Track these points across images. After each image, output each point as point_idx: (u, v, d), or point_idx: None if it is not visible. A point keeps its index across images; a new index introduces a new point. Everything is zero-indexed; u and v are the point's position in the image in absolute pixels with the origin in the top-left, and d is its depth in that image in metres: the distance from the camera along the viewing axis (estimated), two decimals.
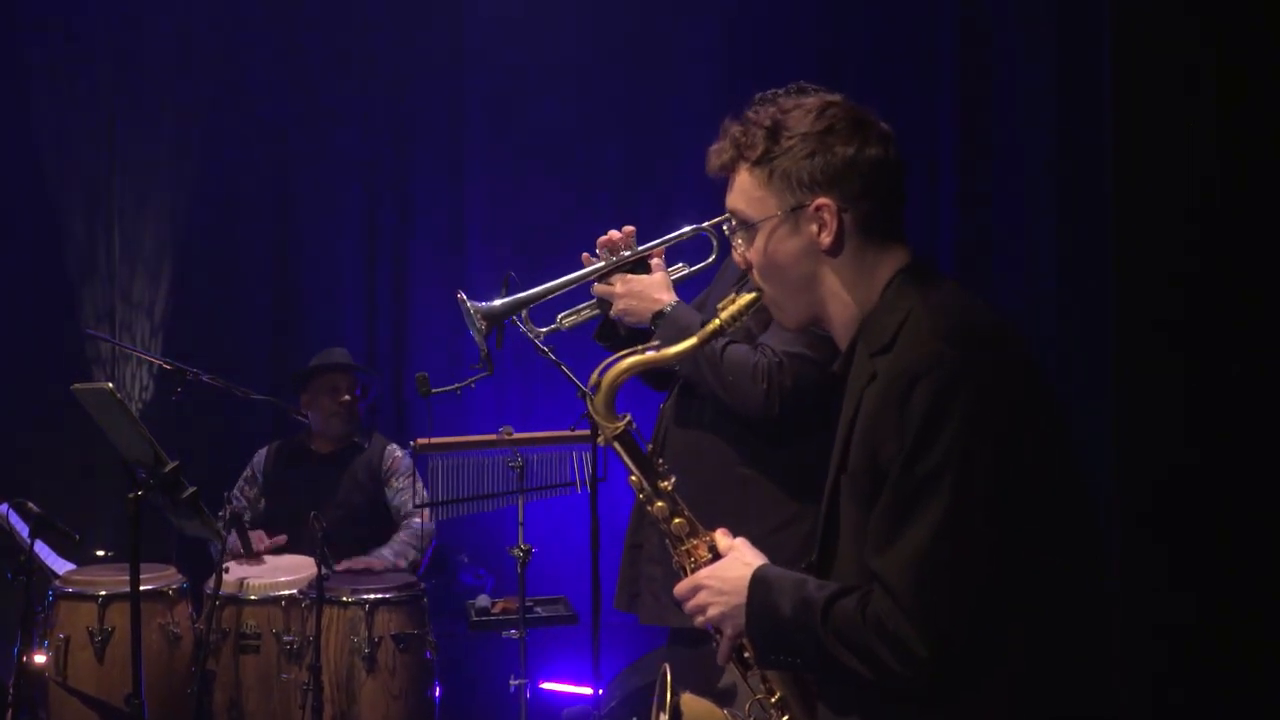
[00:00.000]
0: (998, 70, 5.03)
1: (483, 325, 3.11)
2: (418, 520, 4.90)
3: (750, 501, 2.92)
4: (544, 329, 3.19)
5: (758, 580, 1.95)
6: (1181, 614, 3.69)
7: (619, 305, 3.04)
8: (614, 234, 3.11)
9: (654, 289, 3.01)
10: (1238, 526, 3.62)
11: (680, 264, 3.19)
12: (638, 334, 3.05)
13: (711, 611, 2.00)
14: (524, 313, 3.16)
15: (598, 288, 3.09)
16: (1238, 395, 3.63)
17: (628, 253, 3.08)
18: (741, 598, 1.96)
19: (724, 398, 2.88)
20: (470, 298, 3.15)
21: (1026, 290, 4.72)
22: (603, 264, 3.09)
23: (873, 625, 1.78)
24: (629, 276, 3.05)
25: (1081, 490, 1.89)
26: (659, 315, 2.97)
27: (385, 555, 4.83)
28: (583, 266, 3.14)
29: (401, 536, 4.92)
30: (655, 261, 3.10)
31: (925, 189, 5.33)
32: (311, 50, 6.00)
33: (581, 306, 3.21)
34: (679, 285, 3.10)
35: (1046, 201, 4.69)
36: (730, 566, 2.02)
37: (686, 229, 3.13)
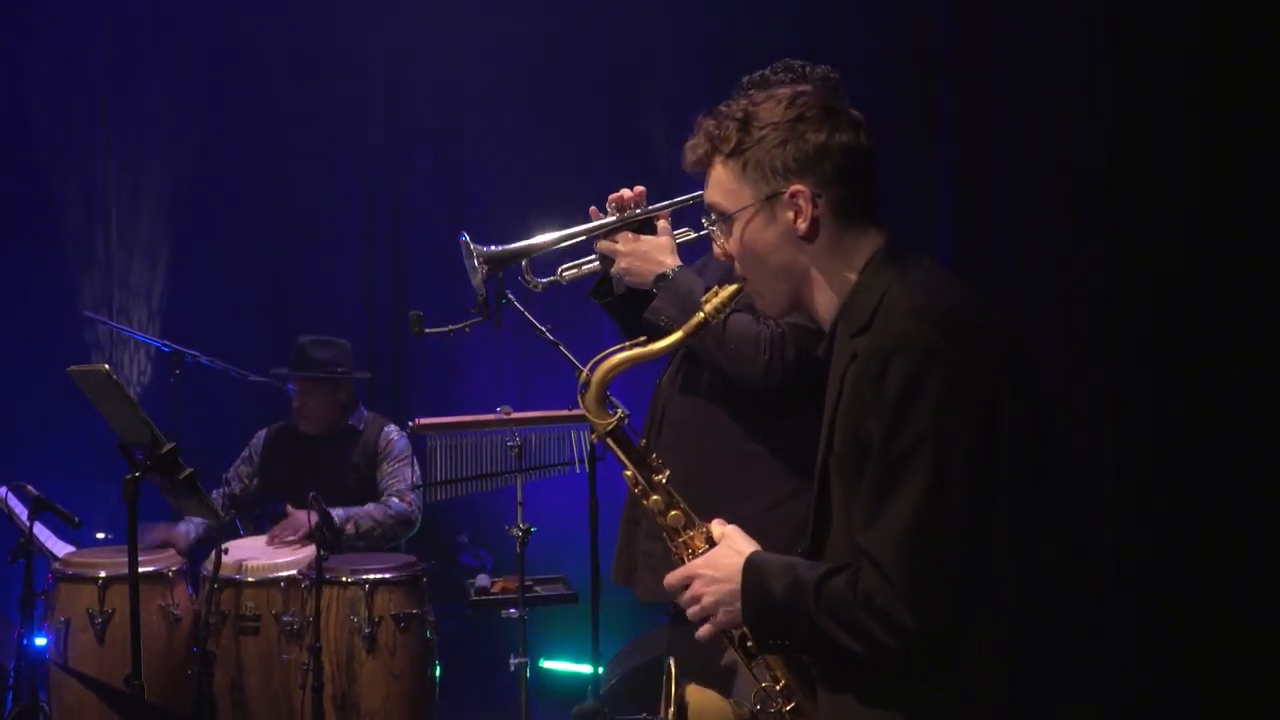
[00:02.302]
0: (997, 70, 5.01)
1: (483, 270, 3.07)
2: (396, 501, 4.86)
3: (752, 476, 2.90)
4: (544, 280, 3.15)
5: (751, 566, 1.97)
6: (1176, 603, 3.71)
7: (622, 264, 3.01)
8: (625, 192, 3.07)
9: (658, 251, 2.99)
10: (1230, 516, 3.62)
11: (686, 228, 3.15)
12: (634, 294, 3.04)
13: (706, 600, 2.01)
14: (525, 262, 3.12)
15: (602, 244, 3.05)
16: (1235, 393, 3.62)
17: (637, 211, 3.05)
18: (735, 584, 1.97)
19: (726, 368, 2.87)
20: (478, 243, 3.11)
21: (1024, 287, 4.71)
22: (610, 220, 3.05)
23: (862, 601, 1.80)
24: (635, 236, 3.02)
25: (1065, 464, 1.90)
26: (661, 278, 2.94)
27: (336, 513, 4.63)
28: (590, 220, 3.10)
29: (368, 506, 4.83)
30: (662, 224, 3.06)
31: (924, 189, 5.31)
32: (308, 35, 5.96)
33: (583, 261, 3.17)
34: (682, 250, 3.07)
35: (1046, 200, 4.69)
36: (722, 554, 2.04)
37: (697, 193, 3.09)
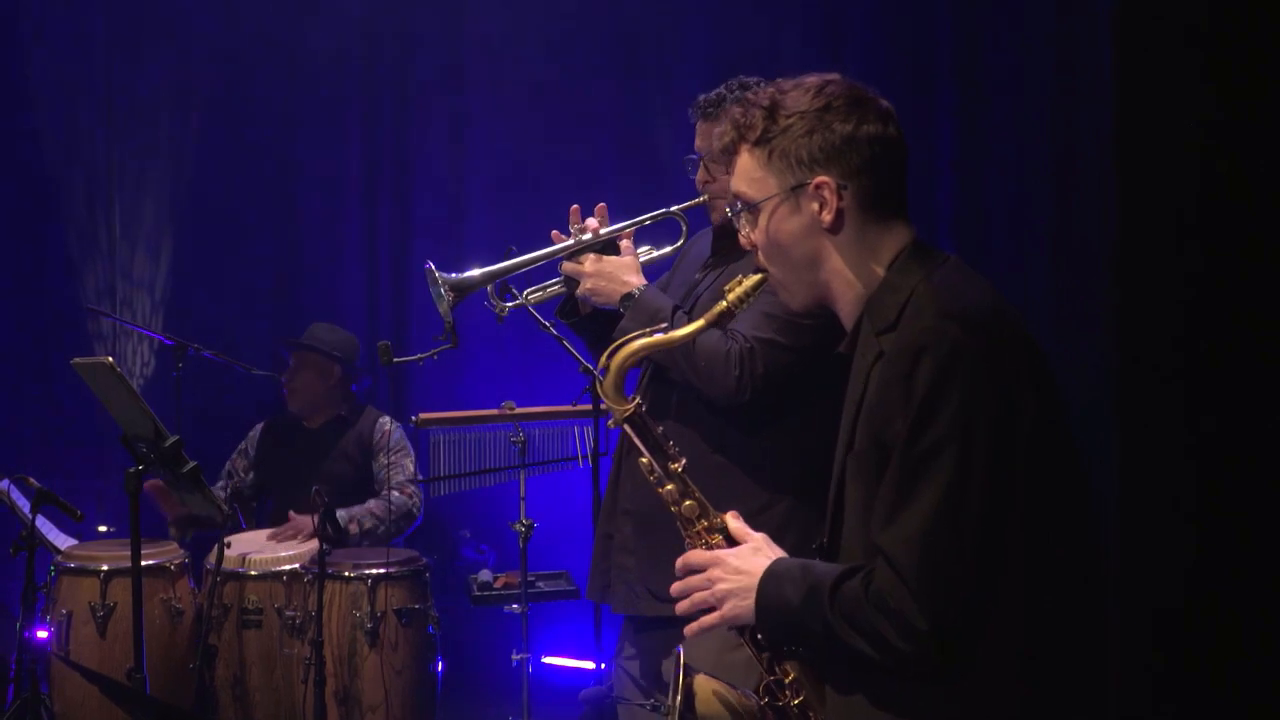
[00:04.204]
0: (996, 68, 5.01)
1: (450, 296, 3.05)
2: (397, 495, 4.85)
3: (723, 489, 2.85)
4: (509, 304, 3.15)
5: (769, 573, 1.96)
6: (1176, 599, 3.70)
7: (587, 285, 3.00)
8: (590, 221, 3.08)
9: (623, 271, 2.99)
10: (1235, 521, 3.60)
11: (648, 246, 3.16)
12: (600, 314, 3.06)
13: (719, 587, 1.99)
14: (490, 287, 3.11)
15: (567, 266, 3.05)
16: (1238, 395, 3.61)
17: (601, 231, 3.06)
18: (754, 582, 1.95)
19: (695, 383, 2.86)
20: (443, 270, 3.11)
21: (1023, 290, 4.70)
22: (572, 242, 3.06)
23: (876, 601, 1.79)
24: (599, 257, 3.02)
25: (1078, 466, 1.90)
26: (628, 297, 2.95)
27: (339, 514, 4.63)
28: (553, 243, 3.11)
29: (369, 504, 4.83)
30: (624, 244, 3.07)
31: (922, 188, 5.30)
32: (312, 25, 5.96)
33: (549, 283, 3.17)
34: (645, 268, 3.08)
35: (1045, 202, 4.68)
36: (751, 554, 2.02)
37: (657, 211, 3.13)
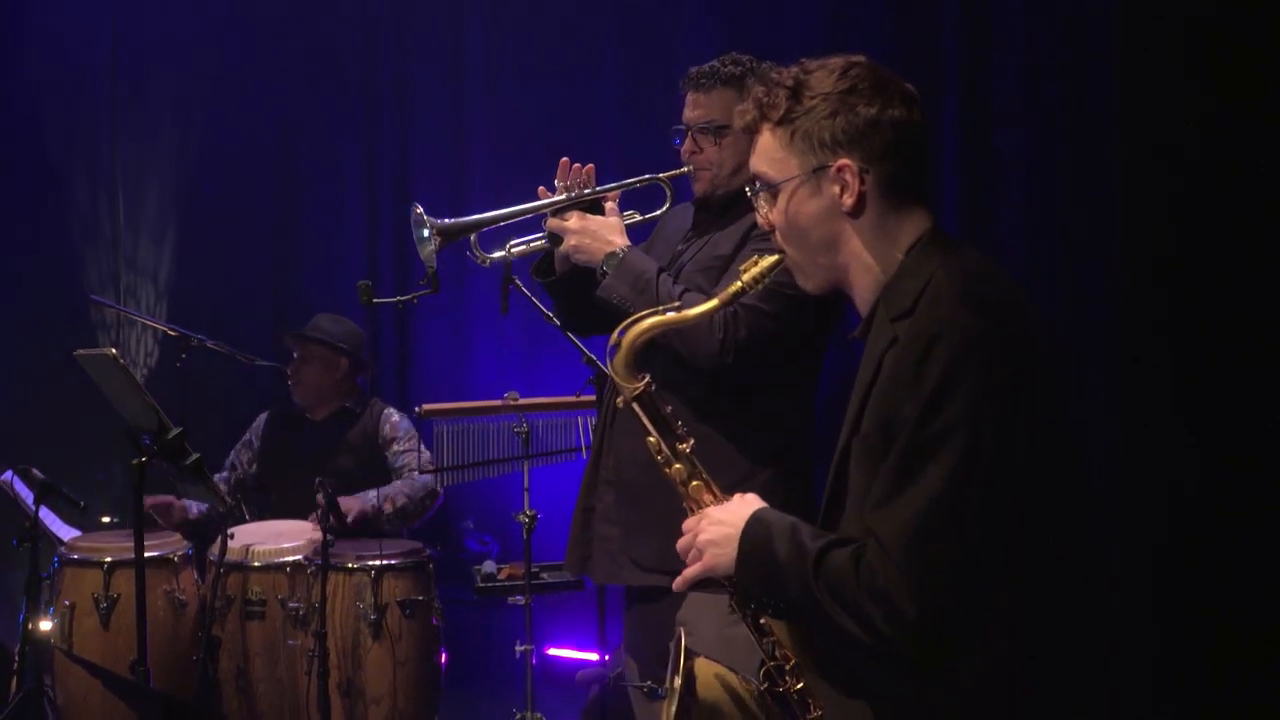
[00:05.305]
0: (1001, 63, 5.00)
1: (435, 241, 3.07)
2: (419, 474, 4.80)
3: (704, 457, 2.88)
4: (493, 255, 3.15)
5: (756, 518, 1.94)
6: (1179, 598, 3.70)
7: (571, 241, 3.01)
8: (576, 165, 3.09)
9: (609, 231, 3.00)
10: (1235, 521, 3.60)
11: (632, 210, 3.17)
12: (577, 271, 3.06)
13: (701, 537, 1.98)
14: (474, 237, 3.11)
15: (552, 222, 3.05)
16: (1238, 395, 3.61)
17: (587, 190, 3.06)
18: (737, 530, 1.94)
19: (678, 347, 2.87)
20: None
21: (1028, 288, 4.70)
22: (559, 198, 3.06)
23: (865, 580, 1.77)
24: (585, 215, 3.03)
25: (1079, 467, 1.90)
26: (611, 257, 2.95)
27: (370, 496, 4.66)
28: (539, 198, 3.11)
29: (396, 483, 4.79)
30: (609, 205, 3.08)
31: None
32: (312, 11, 5.96)
33: (532, 237, 3.16)
34: (628, 232, 3.09)
35: (1047, 201, 4.68)
36: (736, 504, 2.01)
37: (643, 176, 3.14)
